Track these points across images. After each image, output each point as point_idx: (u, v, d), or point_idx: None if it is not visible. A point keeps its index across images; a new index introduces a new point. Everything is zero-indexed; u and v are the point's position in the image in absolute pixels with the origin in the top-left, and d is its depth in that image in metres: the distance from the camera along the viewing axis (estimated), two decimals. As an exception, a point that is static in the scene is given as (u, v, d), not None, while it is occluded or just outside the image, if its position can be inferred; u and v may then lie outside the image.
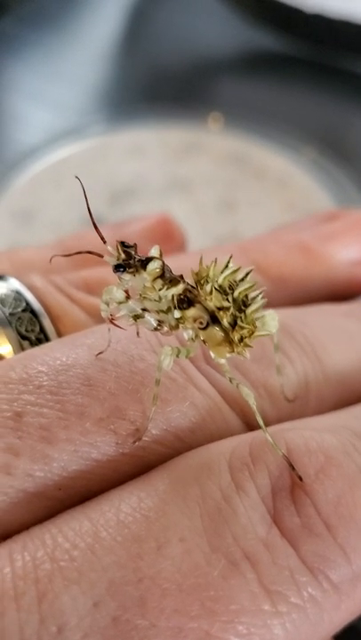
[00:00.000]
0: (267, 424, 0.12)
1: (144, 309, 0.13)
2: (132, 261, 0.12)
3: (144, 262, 0.12)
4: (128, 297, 0.12)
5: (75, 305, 0.16)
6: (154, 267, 0.12)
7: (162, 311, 0.12)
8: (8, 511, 0.11)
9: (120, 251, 0.12)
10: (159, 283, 0.12)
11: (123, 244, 0.12)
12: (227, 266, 0.13)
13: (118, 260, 0.12)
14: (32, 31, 0.44)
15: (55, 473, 0.11)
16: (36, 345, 0.15)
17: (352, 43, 0.40)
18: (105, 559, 0.10)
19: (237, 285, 0.13)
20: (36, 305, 0.15)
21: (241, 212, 0.30)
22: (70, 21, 0.46)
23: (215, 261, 0.13)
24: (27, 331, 0.15)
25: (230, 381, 0.13)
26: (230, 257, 0.13)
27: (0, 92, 0.41)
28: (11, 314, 0.15)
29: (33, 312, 0.15)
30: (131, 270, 0.12)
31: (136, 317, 0.12)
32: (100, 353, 0.13)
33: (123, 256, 0.12)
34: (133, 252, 0.13)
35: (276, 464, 0.12)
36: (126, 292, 0.13)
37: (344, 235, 0.18)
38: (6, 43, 0.44)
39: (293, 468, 0.12)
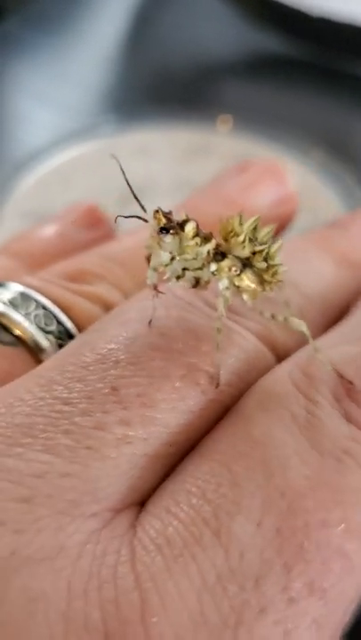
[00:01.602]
0: (288, 353, 0.15)
1: (184, 269, 0.14)
2: (173, 224, 0.13)
3: (182, 224, 0.14)
4: (173, 259, 0.14)
5: (75, 295, 0.17)
6: (191, 226, 0.14)
7: (198, 268, 0.14)
8: (140, 477, 0.12)
9: (162, 216, 0.13)
10: (197, 240, 0.14)
11: (162, 211, 0.14)
12: (240, 220, 0.15)
13: (160, 223, 0.13)
14: (37, 32, 0.44)
15: (164, 432, 0.13)
16: (62, 338, 0.16)
17: (357, 46, 0.40)
18: (248, 486, 0.12)
19: (258, 232, 0.15)
20: (45, 301, 0.16)
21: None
22: (75, 23, 0.46)
23: (231, 217, 0.14)
24: (46, 325, 0.16)
25: (274, 317, 0.15)
26: (242, 212, 0.15)
27: (6, 92, 0.41)
28: (26, 314, 0.16)
29: (45, 308, 0.16)
30: (172, 232, 0.13)
31: (178, 278, 0.14)
32: (149, 322, 0.14)
33: (164, 220, 0.13)
34: (171, 217, 0.14)
35: (327, 377, 0.14)
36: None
37: (259, 183, 0.21)
38: (11, 43, 0.44)
39: (342, 376, 0.14)
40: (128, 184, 0.14)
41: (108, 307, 0.17)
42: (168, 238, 0.14)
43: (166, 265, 0.14)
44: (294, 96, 0.40)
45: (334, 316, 0.17)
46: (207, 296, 0.15)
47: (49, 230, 0.21)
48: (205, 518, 0.12)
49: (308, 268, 0.16)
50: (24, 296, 0.16)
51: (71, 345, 0.15)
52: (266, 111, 0.37)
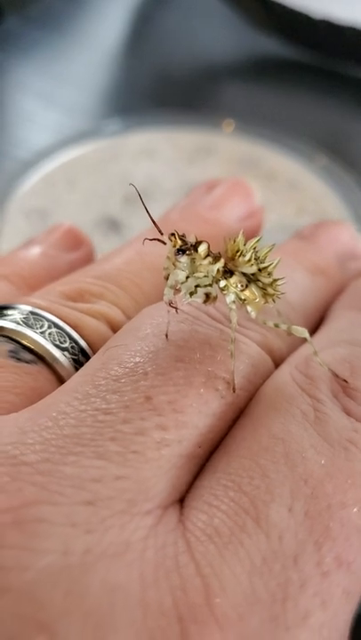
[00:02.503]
0: (283, 358, 0.17)
1: (197, 286, 0.15)
2: (187, 245, 0.15)
3: (195, 245, 0.15)
4: (188, 277, 0.15)
5: (82, 313, 0.17)
6: (204, 247, 0.15)
7: (208, 285, 0.15)
8: (178, 476, 0.14)
9: (177, 238, 0.15)
10: (208, 260, 0.15)
11: (178, 234, 0.15)
12: (240, 239, 0.16)
13: (176, 245, 0.15)
14: (40, 32, 0.45)
15: (194, 434, 0.14)
16: (76, 354, 0.17)
17: (360, 49, 0.41)
18: (276, 477, 0.13)
19: (258, 250, 0.16)
20: (56, 320, 0.17)
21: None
22: (77, 23, 0.46)
23: (235, 238, 0.16)
24: (60, 342, 0.17)
25: (277, 326, 0.16)
26: (243, 232, 0.16)
27: (9, 91, 0.41)
28: (42, 332, 0.17)
29: (57, 326, 0.17)
30: (188, 253, 0.15)
31: (191, 294, 0.15)
32: (166, 335, 0.16)
33: (179, 242, 0.15)
34: (186, 239, 0.15)
35: (324, 377, 0.15)
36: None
37: (227, 200, 0.22)
38: (14, 42, 0.44)
39: (337, 376, 0.15)
40: (139, 195, 0.15)
41: (110, 323, 0.17)
42: (183, 258, 0.15)
43: (182, 283, 0.15)
44: (297, 99, 0.40)
45: (314, 321, 0.19)
46: (210, 310, 0.17)
47: (34, 252, 0.22)
48: (245, 508, 0.13)
49: (287, 279, 0.17)
50: (35, 315, 0.17)
51: (95, 361, 0.15)
52: (268, 114, 0.37)
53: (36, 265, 0.21)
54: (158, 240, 0.15)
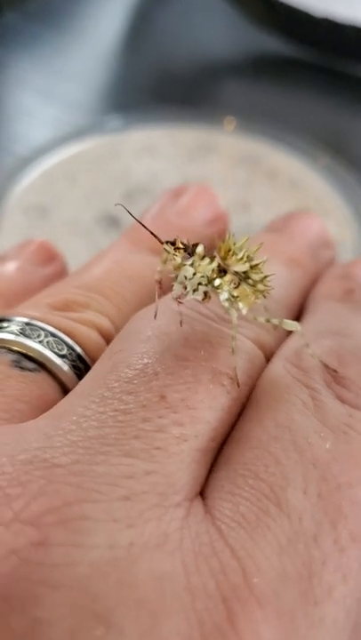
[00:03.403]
0: (273, 351, 0.17)
1: (199, 284, 0.16)
2: (189, 248, 0.16)
3: (194, 247, 0.16)
4: (195, 274, 0.16)
5: (75, 322, 0.18)
6: (201, 248, 0.16)
7: (205, 284, 0.16)
8: (197, 469, 0.14)
9: (179, 242, 0.16)
10: (206, 260, 0.16)
11: (179, 238, 0.16)
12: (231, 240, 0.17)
13: (178, 249, 0.16)
14: (39, 27, 0.44)
15: (206, 428, 0.15)
16: (74, 360, 0.17)
17: (360, 48, 0.41)
18: (288, 462, 0.14)
19: (247, 249, 0.17)
20: (52, 329, 0.17)
21: (255, 212, 0.30)
22: (77, 19, 0.46)
23: (226, 239, 0.16)
24: (59, 350, 0.17)
25: (269, 321, 0.17)
26: (230, 234, 0.17)
27: (8, 87, 0.41)
28: (40, 341, 0.17)
29: (53, 335, 0.17)
30: (190, 254, 0.16)
31: (193, 291, 0.16)
32: (180, 322, 0.16)
33: (181, 245, 0.16)
34: (186, 242, 0.16)
35: (316, 368, 0.16)
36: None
37: (194, 206, 0.23)
38: (13, 38, 0.44)
39: (327, 366, 0.16)
40: (129, 212, 0.16)
41: (100, 331, 0.18)
42: (188, 261, 0.16)
43: (189, 280, 0.16)
44: (298, 97, 0.40)
45: (295, 313, 0.20)
46: (201, 309, 0.17)
47: (10, 268, 0.22)
48: (265, 494, 0.14)
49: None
50: (31, 326, 0.17)
51: (102, 366, 0.16)
52: (269, 112, 0.37)
53: (13, 281, 0.22)
54: (159, 240, 0.16)
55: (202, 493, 0.14)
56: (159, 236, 0.16)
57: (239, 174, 0.32)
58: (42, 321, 0.18)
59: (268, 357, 0.18)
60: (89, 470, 0.13)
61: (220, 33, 0.44)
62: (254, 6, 0.42)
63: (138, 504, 0.13)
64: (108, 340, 0.18)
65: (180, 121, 0.35)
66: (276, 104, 0.39)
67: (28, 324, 0.17)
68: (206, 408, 0.15)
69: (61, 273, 0.23)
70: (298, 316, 0.20)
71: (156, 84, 0.41)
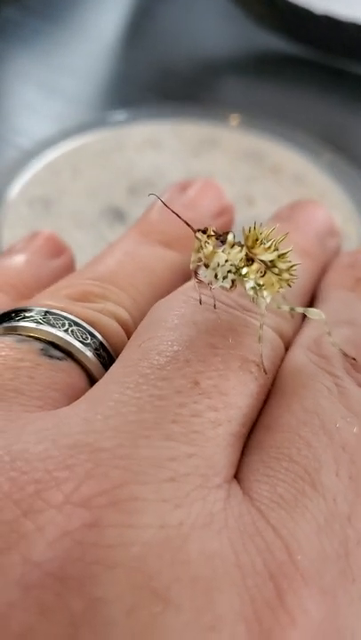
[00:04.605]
0: (291, 340, 0.18)
1: (228, 271, 0.16)
2: (221, 236, 0.16)
3: (225, 235, 0.16)
4: (226, 261, 0.16)
5: (96, 312, 0.18)
6: (232, 237, 0.16)
7: (233, 272, 0.16)
8: (232, 453, 0.15)
9: (211, 230, 0.16)
10: (236, 248, 0.16)
11: (211, 227, 0.16)
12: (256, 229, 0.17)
13: (210, 236, 0.16)
14: (40, 21, 0.44)
15: (238, 414, 0.15)
16: (98, 349, 0.17)
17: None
18: (319, 445, 0.15)
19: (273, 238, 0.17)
20: (75, 318, 0.17)
21: (259, 206, 0.30)
22: (78, 13, 0.46)
23: (253, 228, 0.17)
24: (83, 339, 0.17)
25: (293, 310, 0.18)
26: (256, 224, 0.17)
27: (9, 81, 0.41)
28: (65, 330, 0.17)
29: (77, 324, 0.17)
30: (223, 242, 0.16)
31: (223, 279, 0.16)
32: (214, 306, 0.17)
33: (212, 233, 0.16)
34: (217, 230, 0.16)
35: (337, 355, 0.17)
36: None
37: (201, 198, 0.23)
38: (14, 32, 0.43)
39: (346, 355, 0.17)
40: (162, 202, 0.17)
41: (120, 321, 0.18)
42: (221, 248, 0.16)
43: (221, 266, 0.16)
44: (300, 94, 0.40)
45: (307, 302, 0.21)
46: (223, 299, 0.18)
47: (20, 260, 0.22)
48: (300, 475, 0.14)
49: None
50: (54, 315, 0.17)
51: (131, 354, 0.16)
52: (271, 108, 0.37)
53: (23, 273, 0.22)
54: (191, 228, 0.16)
55: (236, 477, 0.15)
56: (169, 232, 0.16)
57: (243, 169, 0.32)
58: (64, 310, 0.18)
59: (287, 345, 0.18)
60: (133, 453, 0.13)
61: (222, 30, 0.44)
62: (255, 3, 0.43)
63: (183, 485, 0.13)
64: (126, 330, 0.18)
65: (183, 116, 0.35)
66: (278, 101, 0.39)
67: (49, 312, 0.17)
68: (237, 394, 0.15)
69: (70, 265, 0.23)
70: (309, 305, 0.20)
71: (158, 81, 0.41)
